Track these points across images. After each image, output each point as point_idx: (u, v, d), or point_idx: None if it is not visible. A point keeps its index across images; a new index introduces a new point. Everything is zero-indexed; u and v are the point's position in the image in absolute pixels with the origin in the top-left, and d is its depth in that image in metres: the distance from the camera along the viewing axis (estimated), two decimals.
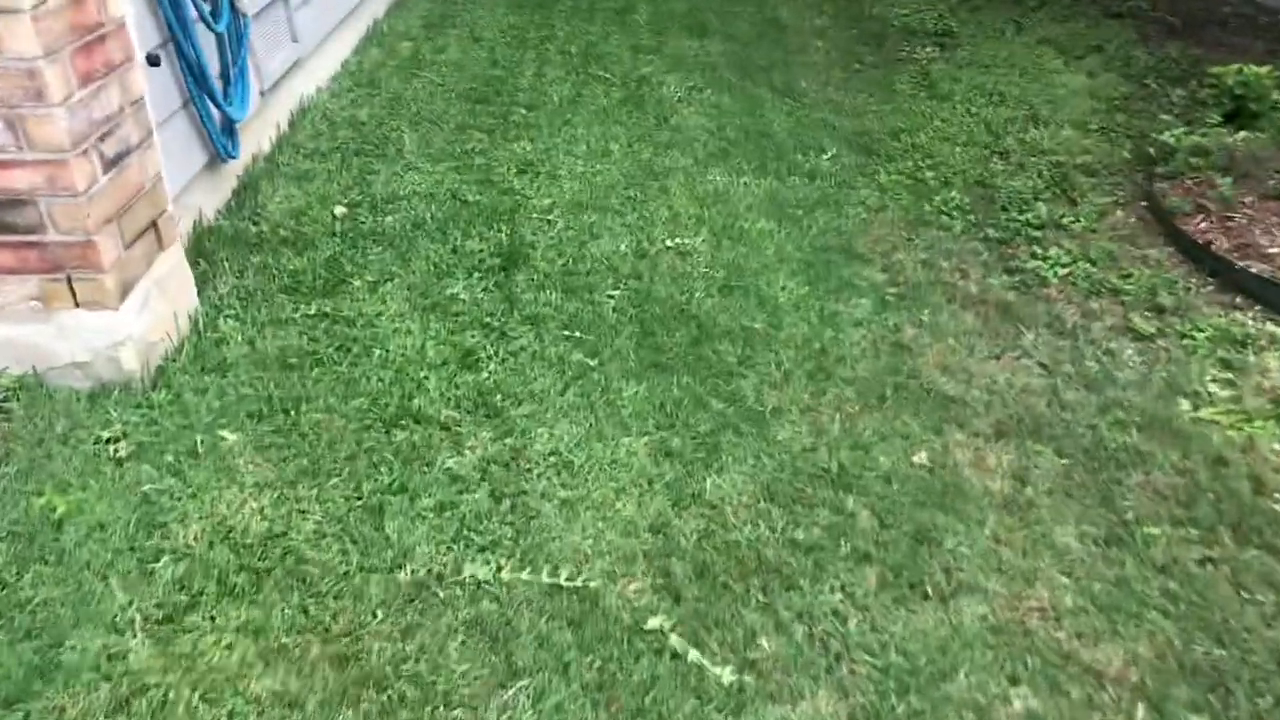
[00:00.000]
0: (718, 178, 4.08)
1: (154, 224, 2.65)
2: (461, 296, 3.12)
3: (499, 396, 2.67)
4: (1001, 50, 5.59)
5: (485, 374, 2.76)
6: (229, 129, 3.43)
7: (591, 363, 2.85)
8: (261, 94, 3.86)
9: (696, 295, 3.24)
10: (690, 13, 6.26)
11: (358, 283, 3.14)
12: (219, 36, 3.31)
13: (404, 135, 4.20)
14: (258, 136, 3.84)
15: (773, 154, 4.32)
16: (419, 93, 4.66)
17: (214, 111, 3.25)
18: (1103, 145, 4.50)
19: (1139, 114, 4.81)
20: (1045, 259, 3.52)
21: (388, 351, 2.81)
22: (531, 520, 2.27)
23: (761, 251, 3.54)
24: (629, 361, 2.87)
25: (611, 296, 3.19)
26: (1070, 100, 4.92)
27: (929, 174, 4.19)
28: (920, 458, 2.55)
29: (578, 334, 2.97)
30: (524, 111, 4.55)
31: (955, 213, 3.87)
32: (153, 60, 2.81)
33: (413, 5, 6.05)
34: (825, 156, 4.36)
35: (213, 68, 3.21)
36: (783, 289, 3.32)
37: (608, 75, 5.08)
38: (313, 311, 2.95)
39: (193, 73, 3.04)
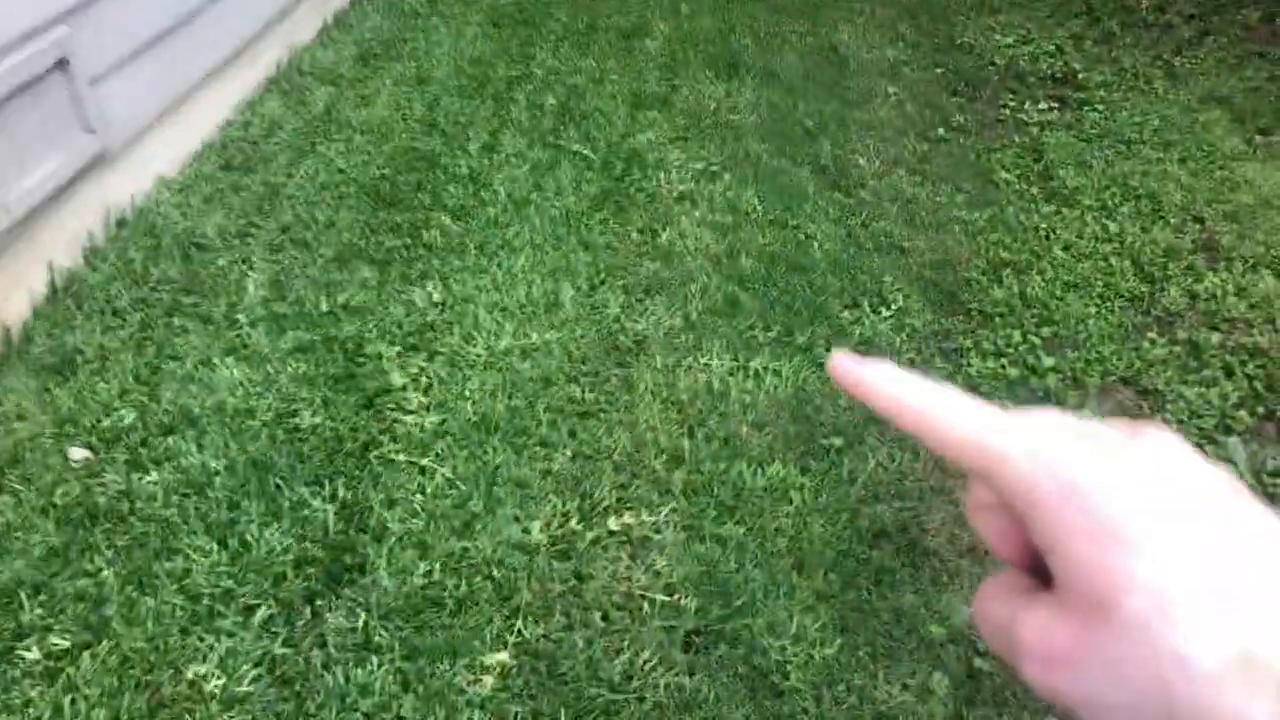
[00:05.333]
0: (715, 360, 2.62)
1: None
2: (210, 690, 1.74)
3: None
4: (1150, 112, 3.96)
5: None
6: None
7: None
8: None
9: (647, 663, 1.83)
10: (721, 35, 4.72)
11: (32, 654, 1.78)
12: None
13: (252, 274, 2.80)
14: None
15: (806, 306, 2.84)
16: (306, 185, 3.25)
17: None
18: None
19: None
20: None
21: None
22: None
23: (771, 543, 2.11)
24: None
25: (489, 673, 1.80)
26: (1264, 214, 3.31)
27: (1046, 361, 2.67)
28: None
29: None
30: (448, 222, 3.11)
31: None
32: None
33: (355, 21, 4.61)
34: (886, 314, 2.86)
35: None
36: (801, 651, 1.89)
37: (586, 149, 3.61)
38: None
39: None
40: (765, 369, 2.61)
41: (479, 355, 2.56)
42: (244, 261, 2.85)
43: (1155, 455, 0.30)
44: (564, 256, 3.00)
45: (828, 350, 2.68)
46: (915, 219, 3.33)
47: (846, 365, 0.35)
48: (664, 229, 3.19)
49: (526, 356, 2.58)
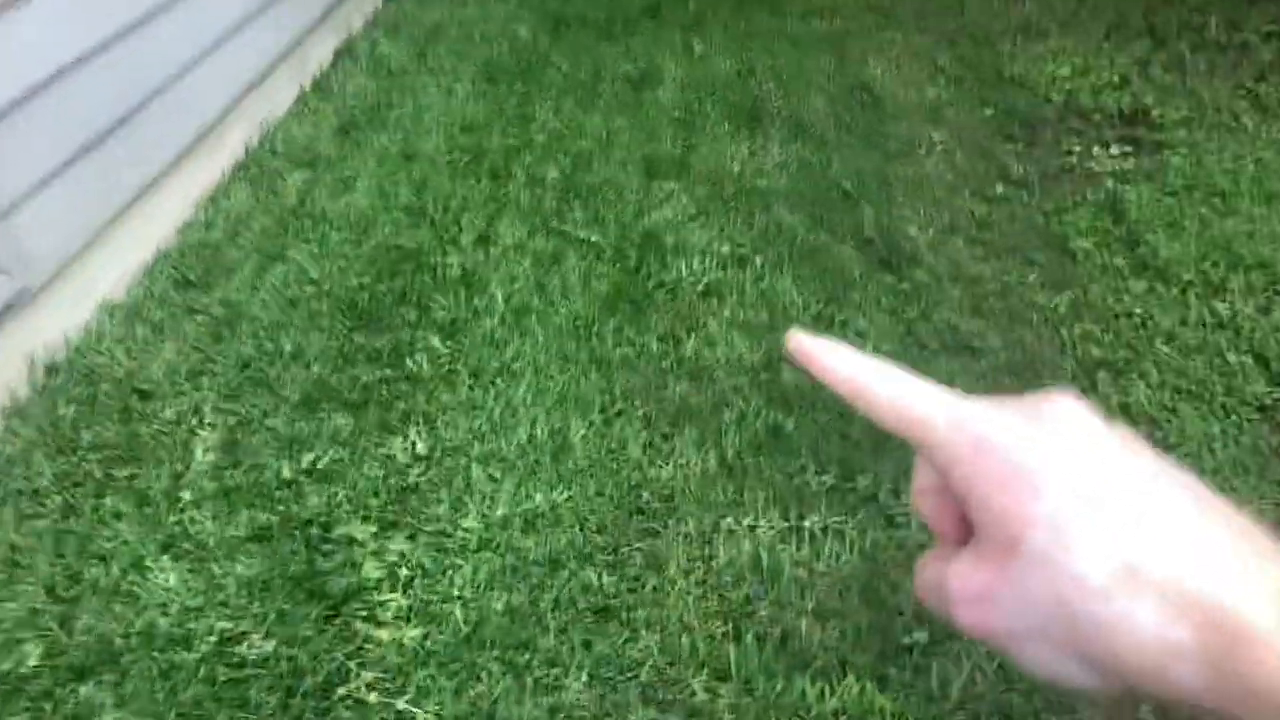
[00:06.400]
0: (761, 519, 2.15)
1: None
2: None
3: None
4: (1242, 155, 3.43)
5: None
6: None
7: None
8: None
9: None
10: (739, 78, 4.24)
11: None
12: None
13: (202, 431, 2.35)
14: None
15: (865, 434, 2.35)
16: (272, 302, 2.80)
17: None
18: None
19: None
20: None
21: None
22: None
23: None
24: None
25: None
26: None
27: None
28: None
29: None
30: (436, 343, 2.65)
31: None
32: None
33: (337, 84, 4.17)
34: None
35: None
36: None
37: (595, 234, 3.14)
38: None
39: None
40: (823, 529, 2.12)
41: (471, 531, 2.09)
42: (194, 413, 2.40)
43: (1057, 413, 0.35)
44: (573, 380, 2.53)
45: (895, 498, 2.19)
46: (982, 306, 2.82)
47: (803, 343, 0.41)
48: (689, 334, 2.71)
49: (529, 528, 2.10)
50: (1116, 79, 4.00)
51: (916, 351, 2.64)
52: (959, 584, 0.35)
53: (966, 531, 0.36)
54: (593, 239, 3.12)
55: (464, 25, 4.90)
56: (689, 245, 3.09)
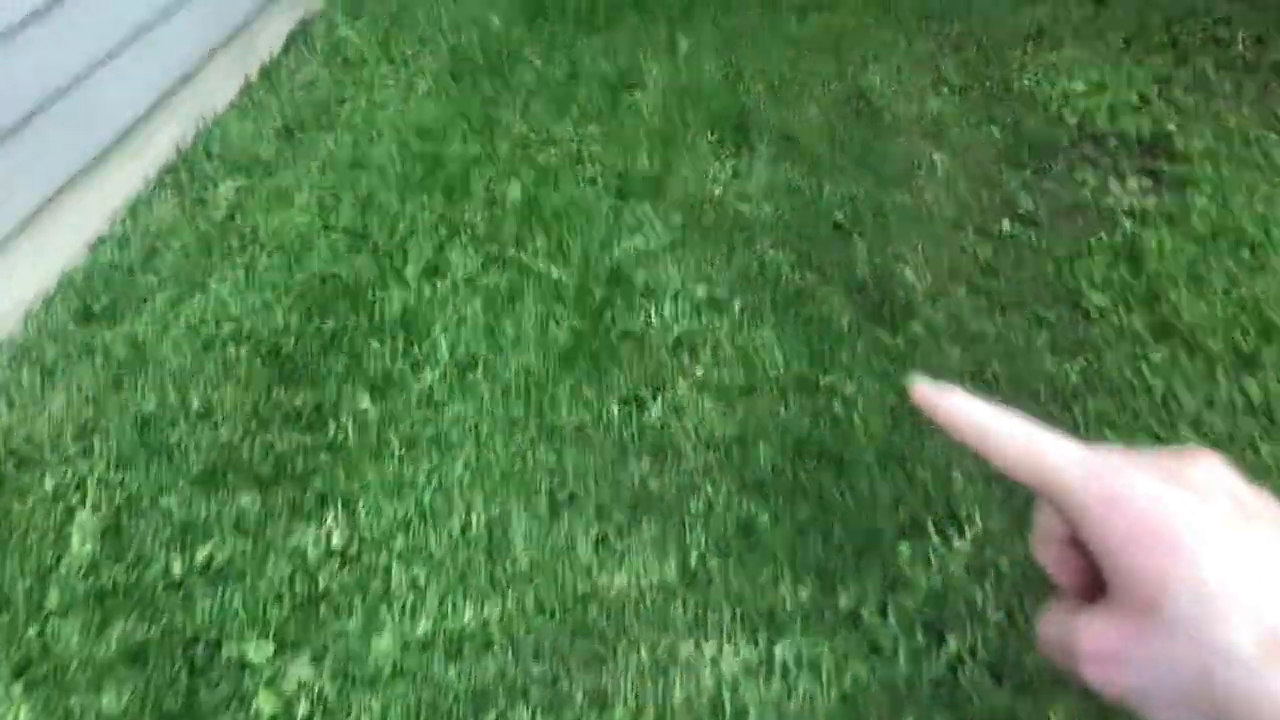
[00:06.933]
0: (726, 646, 1.87)
1: None
2: None
3: None
4: (1273, 198, 3.12)
5: None
6: None
7: None
8: None
9: None
10: (726, 82, 3.89)
11: None
12: None
13: (82, 511, 2.02)
14: None
15: (848, 534, 2.07)
16: (185, 344, 2.48)
17: None
18: None
19: None
20: None
21: None
22: None
23: None
24: None
25: None
26: None
27: None
28: None
29: None
30: (365, 404, 2.32)
31: None
32: None
33: (287, 74, 3.79)
34: (960, 543, 2.08)
35: None
36: None
37: (557, 268, 2.81)
38: None
39: None
40: (798, 660, 1.83)
41: (385, 655, 1.78)
42: (77, 487, 2.07)
43: (1200, 471, 0.34)
44: (519, 456, 2.21)
45: (882, 619, 1.89)
46: (987, 371, 2.52)
47: (926, 393, 0.41)
48: (655, 396, 2.40)
49: (454, 653, 1.80)
50: (1136, 98, 3.67)
51: (910, 429, 2.34)
52: (1090, 642, 0.34)
53: (1091, 584, 0.36)
54: (554, 274, 2.79)
55: (433, 8, 4.51)
56: (660, 285, 2.77)
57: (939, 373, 2.50)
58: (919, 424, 2.37)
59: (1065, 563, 0.38)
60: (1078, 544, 0.36)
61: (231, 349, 2.45)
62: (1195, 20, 4.19)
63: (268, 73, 3.87)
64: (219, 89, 3.62)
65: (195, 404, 2.29)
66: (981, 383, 2.48)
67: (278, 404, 2.29)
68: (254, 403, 2.30)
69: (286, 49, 4.08)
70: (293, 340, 2.49)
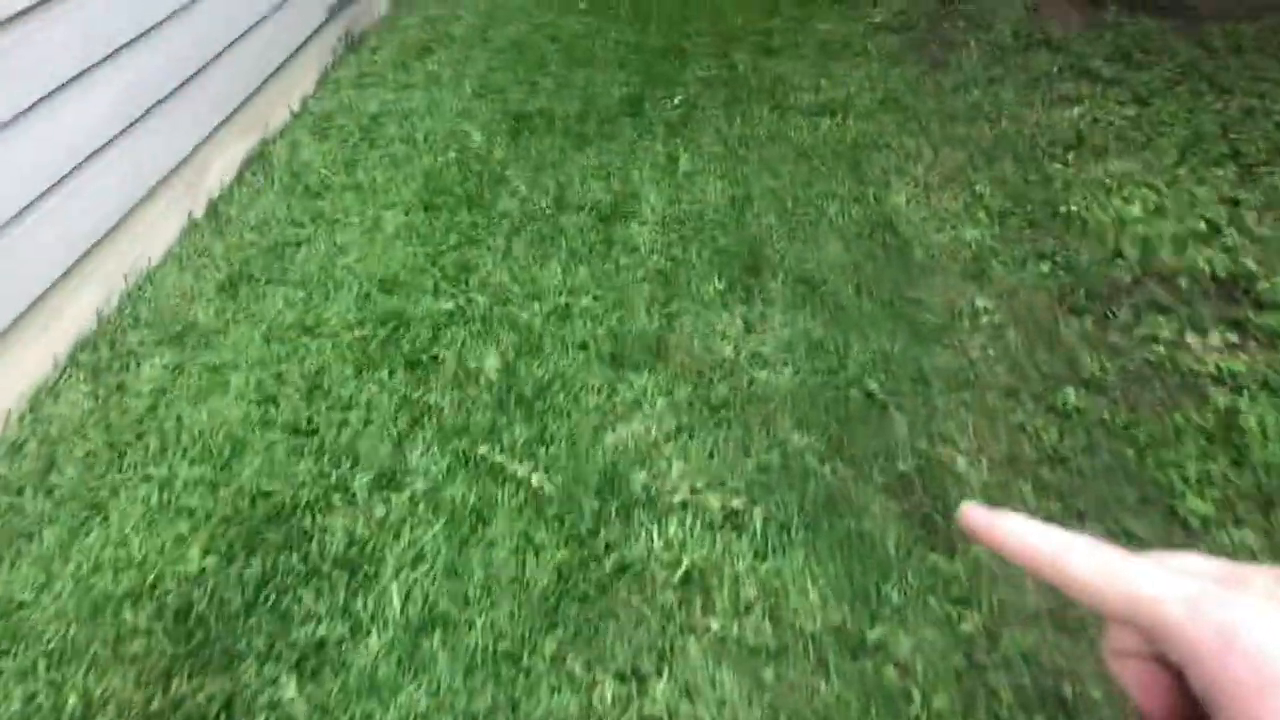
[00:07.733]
0: None
1: None
2: None
3: None
4: None
5: None
6: None
7: None
8: None
9: None
10: (734, 209, 3.46)
11: None
12: None
13: None
14: None
15: None
16: (70, 604, 2.02)
17: None
18: None
19: None
20: None
21: None
22: None
23: None
24: None
25: None
26: None
27: None
28: None
29: None
30: (289, 690, 1.83)
31: None
32: None
33: (242, 200, 3.35)
34: None
35: None
36: None
37: (539, 474, 2.34)
38: None
39: None
40: None
41: None
42: None
43: None
44: None
45: None
46: (1070, 617, 2.00)
47: (978, 516, 0.36)
48: (659, 669, 1.89)
49: None
50: (1203, 225, 3.21)
51: (983, 712, 1.82)
52: None
53: (1180, 709, 0.32)
54: (534, 481, 2.30)
55: (407, 121, 4.09)
56: (664, 491, 2.28)
57: (1011, 617, 2.00)
58: (995, 696, 1.86)
59: (1151, 687, 0.33)
60: (1163, 661, 0.31)
61: (129, 611, 1.96)
62: (1254, 123, 3.74)
63: (215, 208, 3.44)
64: (158, 230, 3.17)
65: (72, 699, 1.79)
66: (1065, 633, 1.98)
67: (176, 701, 1.78)
68: (146, 699, 1.79)
69: (240, 177, 3.65)
70: (206, 597, 1.99)
